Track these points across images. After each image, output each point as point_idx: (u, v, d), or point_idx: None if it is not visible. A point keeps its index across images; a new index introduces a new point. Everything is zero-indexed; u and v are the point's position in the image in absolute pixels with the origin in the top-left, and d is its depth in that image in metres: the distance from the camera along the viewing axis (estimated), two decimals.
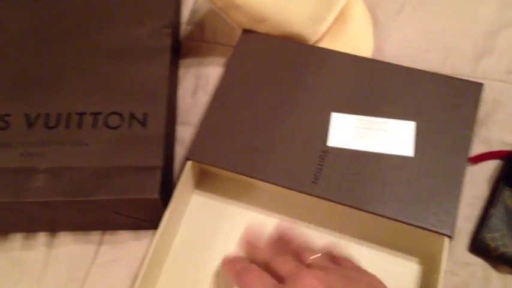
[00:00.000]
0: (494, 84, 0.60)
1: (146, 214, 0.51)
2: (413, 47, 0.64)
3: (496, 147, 0.57)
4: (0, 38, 0.58)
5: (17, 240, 0.54)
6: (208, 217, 0.55)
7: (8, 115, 0.52)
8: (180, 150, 0.59)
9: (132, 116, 0.52)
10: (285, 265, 0.41)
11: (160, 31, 0.58)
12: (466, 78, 0.55)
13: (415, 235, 0.49)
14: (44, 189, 0.48)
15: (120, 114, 0.52)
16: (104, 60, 0.56)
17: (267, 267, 0.42)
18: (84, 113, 0.52)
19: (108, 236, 0.54)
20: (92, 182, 0.48)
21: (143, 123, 0.52)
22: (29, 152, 0.50)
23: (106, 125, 0.52)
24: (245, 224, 0.54)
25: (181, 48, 0.66)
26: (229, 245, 0.52)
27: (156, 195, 0.48)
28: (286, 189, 0.50)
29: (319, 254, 0.43)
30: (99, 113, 0.52)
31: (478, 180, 0.55)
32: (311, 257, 0.43)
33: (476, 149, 0.56)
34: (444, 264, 0.46)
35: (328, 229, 0.53)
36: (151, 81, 0.55)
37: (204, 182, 0.57)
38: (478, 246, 0.52)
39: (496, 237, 0.51)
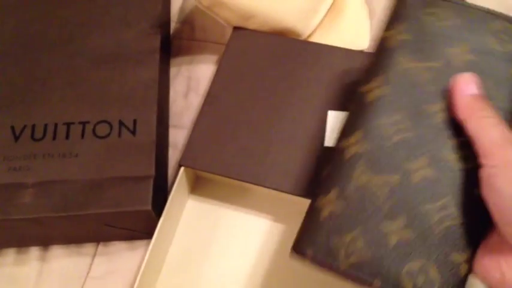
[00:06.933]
0: None
1: (140, 225, 0.50)
2: None
3: None
4: None
5: (9, 255, 0.53)
6: (204, 222, 0.53)
7: None
8: (173, 154, 0.57)
9: (122, 124, 0.50)
10: None
11: (149, 32, 0.56)
12: None
13: None
14: (34, 205, 0.46)
15: (109, 123, 0.50)
16: (90, 66, 0.54)
17: None
18: (72, 123, 0.50)
19: (102, 248, 0.53)
20: (83, 196, 0.47)
21: (133, 131, 0.50)
22: (16, 167, 0.48)
23: (95, 134, 0.50)
24: (241, 227, 0.52)
25: (172, 47, 0.64)
26: (227, 250, 0.51)
27: (148, 207, 0.46)
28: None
29: None
30: (87, 122, 0.50)
31: None
32: None
33: None
34: None
35: None
36: (141, 85, 0.53)
37: (199, 186, 0.55)
38: None
39: None
